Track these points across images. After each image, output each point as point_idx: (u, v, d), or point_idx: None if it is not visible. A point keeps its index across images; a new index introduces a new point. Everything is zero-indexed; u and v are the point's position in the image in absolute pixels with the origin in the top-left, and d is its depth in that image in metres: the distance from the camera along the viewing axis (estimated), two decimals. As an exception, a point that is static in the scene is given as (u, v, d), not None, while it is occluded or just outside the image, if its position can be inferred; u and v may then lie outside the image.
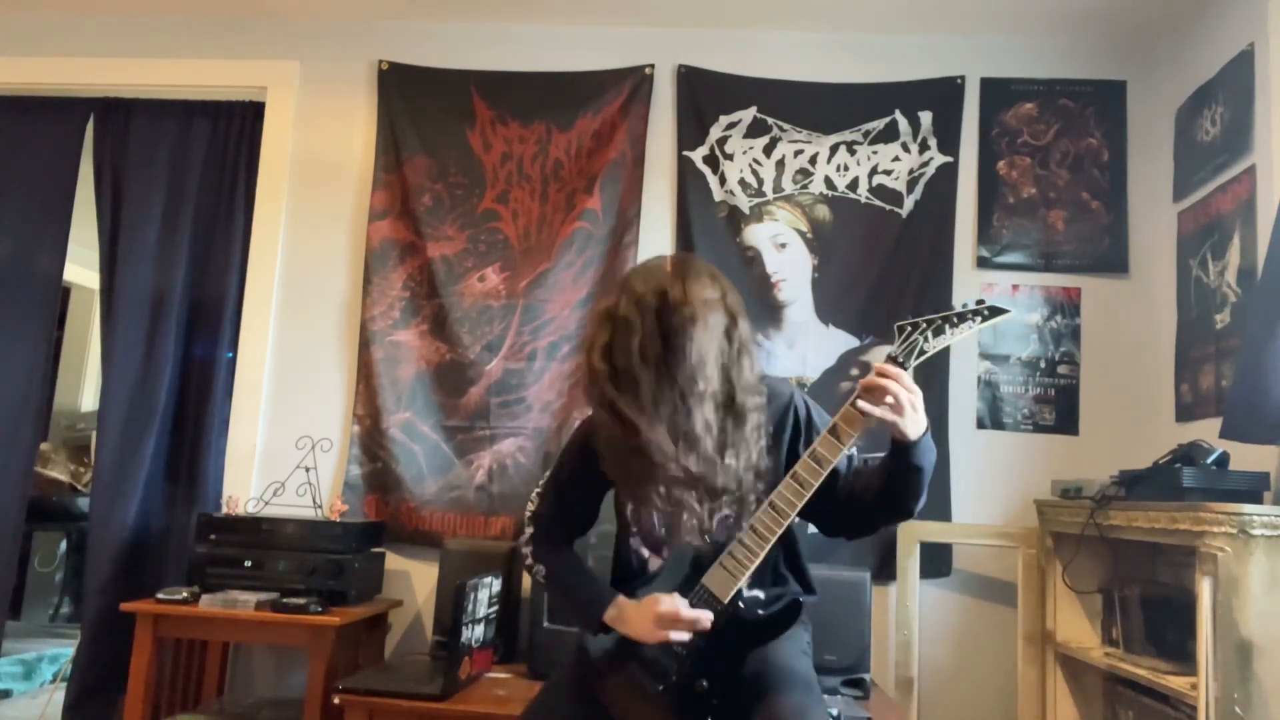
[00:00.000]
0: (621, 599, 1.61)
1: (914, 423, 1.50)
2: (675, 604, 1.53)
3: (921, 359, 1.54)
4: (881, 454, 1.60)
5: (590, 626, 1.64)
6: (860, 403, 1.49)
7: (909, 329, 1.55)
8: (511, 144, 3.11)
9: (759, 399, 1.61)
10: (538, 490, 1.82)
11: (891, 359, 1.53)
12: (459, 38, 3.19)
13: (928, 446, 1.54)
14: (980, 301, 1.55)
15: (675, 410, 1.52)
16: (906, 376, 1.50)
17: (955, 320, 1.54)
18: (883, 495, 1.60)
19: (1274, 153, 2.34)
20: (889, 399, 1.48)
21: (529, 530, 1.77)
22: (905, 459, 1.54)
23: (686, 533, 1.58)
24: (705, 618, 1.52)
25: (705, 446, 1.53)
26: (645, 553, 1.69)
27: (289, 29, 3.25)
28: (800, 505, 1.53)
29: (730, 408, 1.57)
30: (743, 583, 1.55)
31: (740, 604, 1.56)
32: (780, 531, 1.54)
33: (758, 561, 1.54)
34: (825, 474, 1.52)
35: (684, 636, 1.53)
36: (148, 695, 2.50)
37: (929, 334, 1.54)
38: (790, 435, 1.69)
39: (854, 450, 1.64)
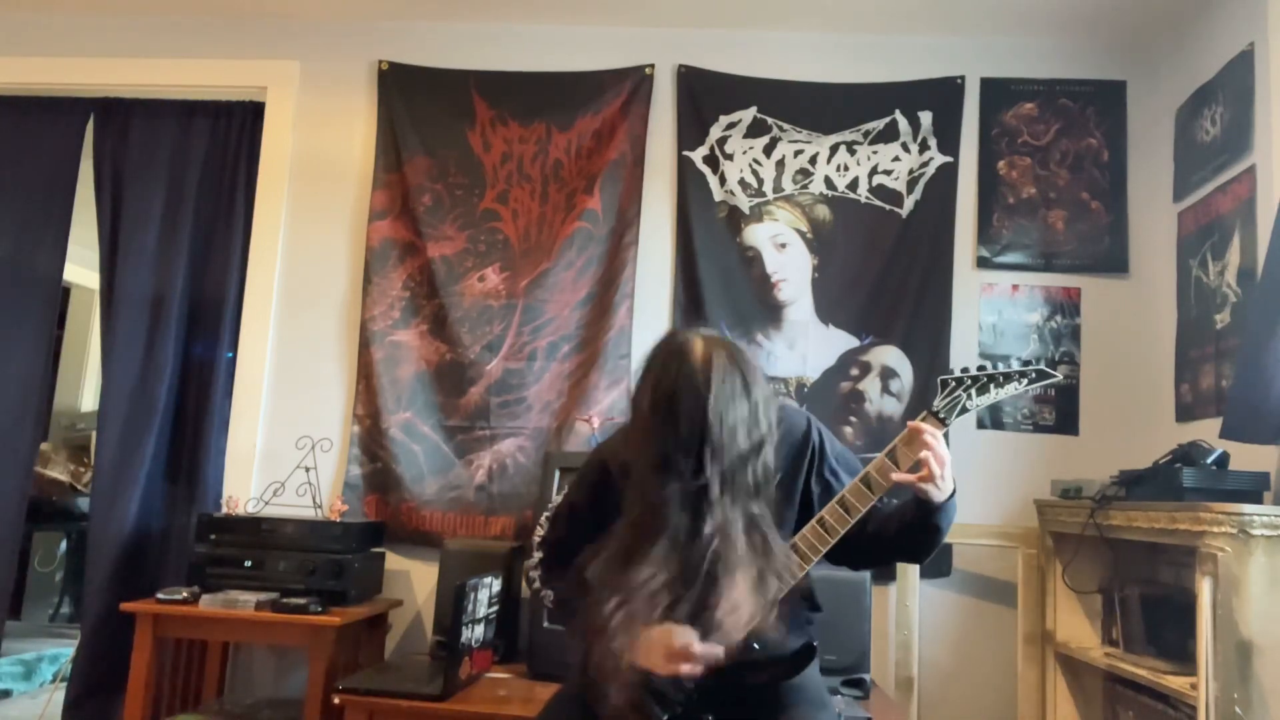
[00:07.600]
0: None
1: (941, 489, 1.51)
2: (688, 638, 1.45)
3: (962, 415, 1.54)
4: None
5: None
6: (894, 474, 1.50)
7: (953, 384, 1.55)
8: (511, 144, 3.11)
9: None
10: (547, 515, 1.75)
11: (933, 414, 1.53)
12: (459, 38, 3.19)
13: (950, 509, 1.54)
14: (1027, 363, 1.56)
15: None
16: (941, 442, 1.50)
17: (1001, 380, 1.54)
18: (896, 542, 1.61)
19: (1274, 153, 2.34)
20: (921, 459, 1.47)
21: (538, 555, 1.72)
22: (926, 518, 1.54)
23: None
24: (718, 653, 1.45)
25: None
26: None
27: (289, 29, 3.25)
28: (825, 550, 1.52)
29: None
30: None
31: (755, 642, 1.51)
32: (802, 575, 1.52)
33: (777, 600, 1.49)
34: (853, 522, 1.52)
35: (695, 671, 1.47)
36: (148, 695, 2.50)
37: (973, 391, 1.54)
38: (807, 466, 1.67)
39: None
